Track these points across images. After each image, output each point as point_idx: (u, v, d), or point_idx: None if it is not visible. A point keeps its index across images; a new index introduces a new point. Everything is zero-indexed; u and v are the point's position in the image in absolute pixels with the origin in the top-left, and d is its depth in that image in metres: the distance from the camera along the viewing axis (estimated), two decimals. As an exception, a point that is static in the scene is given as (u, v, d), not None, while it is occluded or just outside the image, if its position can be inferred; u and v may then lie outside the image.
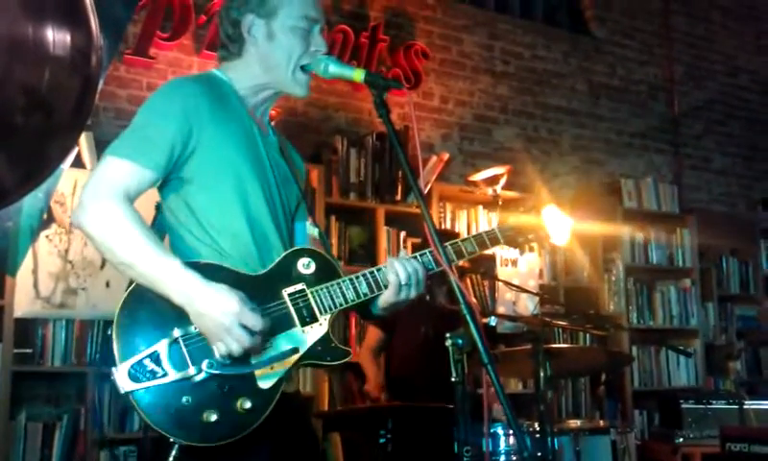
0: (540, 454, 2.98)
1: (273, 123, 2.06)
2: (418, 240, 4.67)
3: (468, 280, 4.94)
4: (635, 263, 5.77)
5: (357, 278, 1.84)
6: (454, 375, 1.74)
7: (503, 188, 4.85)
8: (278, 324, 1.75)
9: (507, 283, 4.59)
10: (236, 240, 1.82)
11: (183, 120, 1.77)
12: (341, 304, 1.82)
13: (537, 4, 6.23)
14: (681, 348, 4.43)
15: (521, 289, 4.55)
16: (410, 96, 5.31)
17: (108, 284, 3.90)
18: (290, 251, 1.87)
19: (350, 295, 1.83)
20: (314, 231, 2.03)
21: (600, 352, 4.12)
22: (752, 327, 6.28)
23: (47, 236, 3.84)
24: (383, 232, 4.77)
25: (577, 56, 6.23)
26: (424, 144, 5.29)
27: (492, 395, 1.57)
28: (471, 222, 5.18)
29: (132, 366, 1.65)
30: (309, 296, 1.80)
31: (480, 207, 5.21)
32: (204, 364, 1.67)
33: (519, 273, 5.04)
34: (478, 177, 4.96)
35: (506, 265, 5.01)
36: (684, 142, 6.69)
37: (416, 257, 1.91)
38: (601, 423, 4.21)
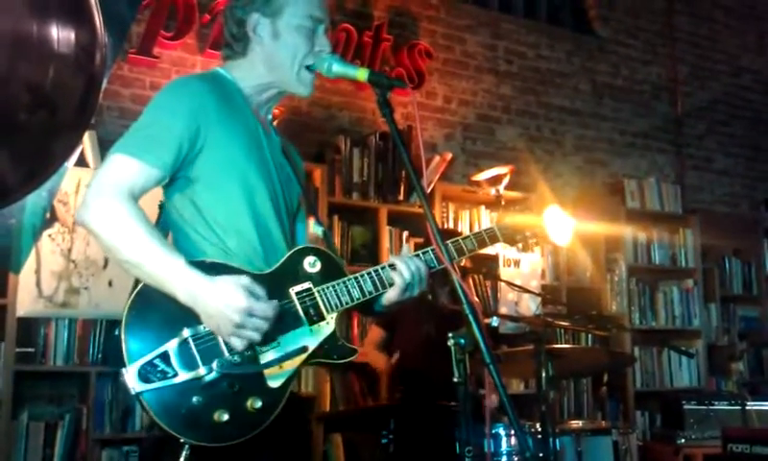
0: (541, 455, 2.97)
1: (275, 122, 2.07)
2: (420, 240, 4.67)
3: (471, 280, 4.94)
4: (637, 263, 5.76)
5: (362, 276, 1.86)
6: (456, 375, 1.74)
7: (506, 188, 4.84)
8: (287, 322, 1.76)
9: (509, 284, 4.59)
10: (242, 239, 1.82)
11: (191, 119, 1.77)
12: (347, 303, 1.83)
13: (540, 4, 6.23)
14: (683, 348, 4.41)
15: (524, 289, 4.55)
16: (413, 96, 5.34)
17: (110, 284, 3.91)
18: (296, 249, 1.87)
19: (356, 293, 1.84)
20: (318, 230, 2.04)
21: (602, 353, 4.11)
22: (754, 328, 6.27)
23: (50, 235, 3.84)
24: (386, 232, 4.77)
25: (580, 55, 6.22)
26: (427, 144, 5.29)
27: (491, 386, 1.58)
28: (474, 222, 5.17)
29: (141, 366, 1.64)
30: (316, 294, 1.81)
31: (483, 207, 5.20)
32: (215, 364, 1.67)
33: (522, 273, 5.04)
34: (481, 177, 4.95)
35: (508, 265, 5.01)
36: (688, 142, 6.68)
37: (418, 255, 1.92)
38: (603, 423, 4.21)
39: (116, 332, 1.68)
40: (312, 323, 1.79)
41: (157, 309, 1.69)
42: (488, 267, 4.89)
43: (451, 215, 5.11)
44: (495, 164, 5.18)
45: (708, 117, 6.83)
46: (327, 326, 1.81)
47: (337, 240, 4.61)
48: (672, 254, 5.95)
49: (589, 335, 5.20)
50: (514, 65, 5.86)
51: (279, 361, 1.72)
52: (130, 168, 1.72)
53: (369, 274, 1.86)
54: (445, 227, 4.96)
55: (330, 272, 1.85)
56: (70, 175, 3.85)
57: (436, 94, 5.46)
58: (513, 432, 2.99)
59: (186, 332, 1.68)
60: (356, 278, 1.85)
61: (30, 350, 3.81)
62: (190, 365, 1.66)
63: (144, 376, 1.64)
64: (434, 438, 3.12)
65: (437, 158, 5.10)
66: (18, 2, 2.17)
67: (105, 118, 4.26)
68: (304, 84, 1.92)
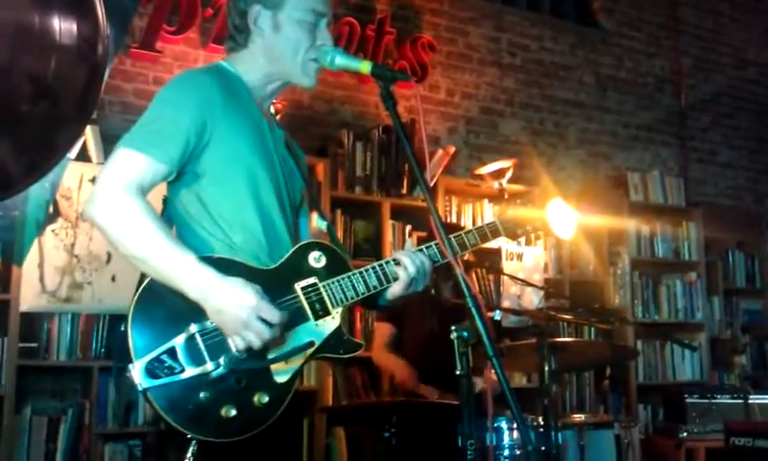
0: (543, 448, 2.97)
1: (278, 116, 2.06)
2: (423, 234, 4.66)
3: (474, 274, 4.93)
4: (640, 257, 5.75)
5: (367, 271, 1.86)
6: (459, 368, 1.74)
7: (509, 182, 4.83)
8: (293, 317, 1.76)
9: (512, 277, 4.58)
10: (247, 233, 1.81)
11: (197, 113, 1.76)
12: (352, 298, 1.83)
13: (544, -4, 6.21)
14: (686, 342, 4.42)
15: (526, 283, 4.54)
16: (416, 89, 5.32)
17: (113, 279, 3.91)
18: (301, 244, 1.87)
19: (361, 288, 1.84)
20: (322, 225, 2.04)
21: (605, 346, 4.10)
22: (757, 322, 6.26)
23: (53, 230, 3.84)
24: (389, 226, 4.76)
25: (584, 48, 6.20)
26: (430, 137, 5.28)
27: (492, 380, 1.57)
28: (477, 215, 5.16)
29: (149, 362, 1.64)
30: (321, 289, 1.81)
31: (486, 201, 5.19)
32: (222, 359, 1.67)
33: (524, 267, 5.03)
34: (484, 170, 4.94)
35: (511, 259, 5.00)
36: (691, 135, 6.66)
37: (421, 250, 1.92)
38: (605, 417, 4.20)
39: (122, 328, 1.67)
40: (318, 318, 1.79)
41: (164, 305, 1.68)
42: (491, 261, 4.88)
43: (454, 209, 5.10)
44: (499, 158, 5.17)
45: (713, 110, 6.80)
46: (333, 320, 1.81)
47: (340, 234, 4.60)
48: (675, 248, 5.94)
49: (592, 329, 5.18)
50: (517, 58, 5.84)
51: (286, 356, 1.72)
52: (137, 163, 1.71)
53: (373, 268, 1.86)
54: (448, 220, 4.95)
55: (335, 267, 1.85)
56: (73, 170, 3.86)
57: (439, 87, 5.45)
58: (515, 426, 2.98)
59: (193, 328, 1.68)
60: (361, 272, 1.85)
61: (33, 344, 3.81)
62: (197, 360, 1.66)
63: (151, 371, 1.63)
64: (436, 432, 3.12)
65: (440, 152, 5.09)
66: (20, -6, 2.17)
67: (107, 113, 4.26)
68: (309, 76, 1.92)
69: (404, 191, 4.86)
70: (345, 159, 4.73)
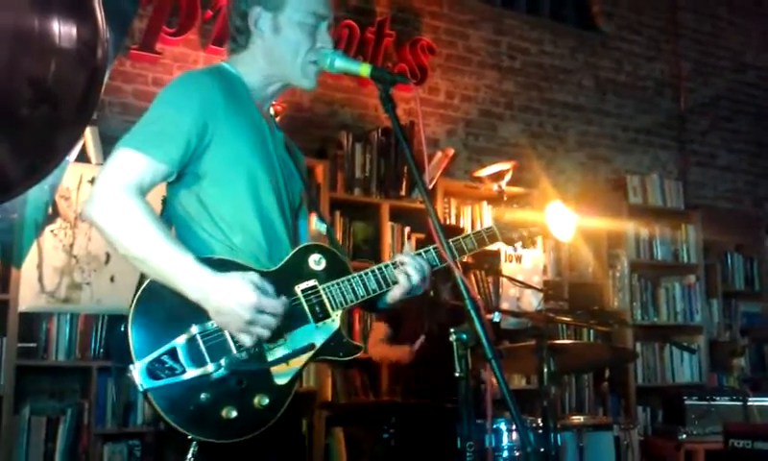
0: (543, 450, 2.97)
1: (278, 118, 2.06)
2: (422, 236, 4.67)
3: (473, 276, 4.94)
4: (639, 259, 5.76)
5: (366, 274, 1.86)
6: (458, 370, 1.74)
7: (508, 184, 4.83)
8: (293, 320, 1.76)
9: (511, 279, 4.58)
10: (247, 235, 1.82)
11: (199, 114, 1.76)
12: (352, 301, 1.84)
13: (543, -1, 6.23)
14: (685, 344, 4.41)
15: (525, 285, 4.54)
16: (416, 91, 5.32)
17: (112, 279, 3.91)
18: (300, 247, 1.87)
19: (360, 291, 1.85)
20: (321, 227, 2.04)
21: (604, 349, 4.10)
22: (756, 324, 6.27)
23: (52, 231, 3.85)
24: (388, 228, 4.77)
25: (583, 51, 6.21)
26: (430, 139, 5.28)
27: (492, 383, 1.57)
28: (476, 218, 5.17)
29: (149, 363, 1.64)
30: (321, 292, 1.82)
31: (485, 203, 5.20)
32: (223, 360, 1.67)
33: (523, 269, 5.03)
34: (483, 172, 4.94)
35: (510, 261, 5.01)
36: (691, 138, 6.67)
37: (420, 254, 1.93)
38: (604, 419, 4.21)
39: (122, 328, 1.66)
40: (318, 320, 1.80)
41: (164, 305, 1.68)
42: (489, 263, 4.89)
43: (453, 211, 5.10)
44: (498, 160, 5.18)
45: (712, 113, 6.81)
46: (333, 323, 1.81)
47: (339, 235, 4.61)
48: (674, 250, 5.95)
49: (591, 331, 5.19)
50: (517, 61, 5.85)
51: (286, 358, 1.72)
52: (137, 163, 1.71)
53: (373, 272, 1.87)
54: (447, 223, 4.95)
55: (335, 269, 1.86)
56: (72, 171, 3.86)
57: (438, 90, 5.45)
58: (514, 427, 2.99)
59: (194, 329, 1.68)
60: (360, 276, 1.86)
61: (32, 345, 3.81)
62: (198, 362, 1.66)
63: (152, 372, 1.63)
64: (435, 433, 3.12)
65: (439, 154, 5.09)
66: (21, -3, 2.18)
67: (107, 114, 4.26)
68: (309, 77, 1.92)
69: (403, 193, 4.87)
70: (344, 161, 4.73)
